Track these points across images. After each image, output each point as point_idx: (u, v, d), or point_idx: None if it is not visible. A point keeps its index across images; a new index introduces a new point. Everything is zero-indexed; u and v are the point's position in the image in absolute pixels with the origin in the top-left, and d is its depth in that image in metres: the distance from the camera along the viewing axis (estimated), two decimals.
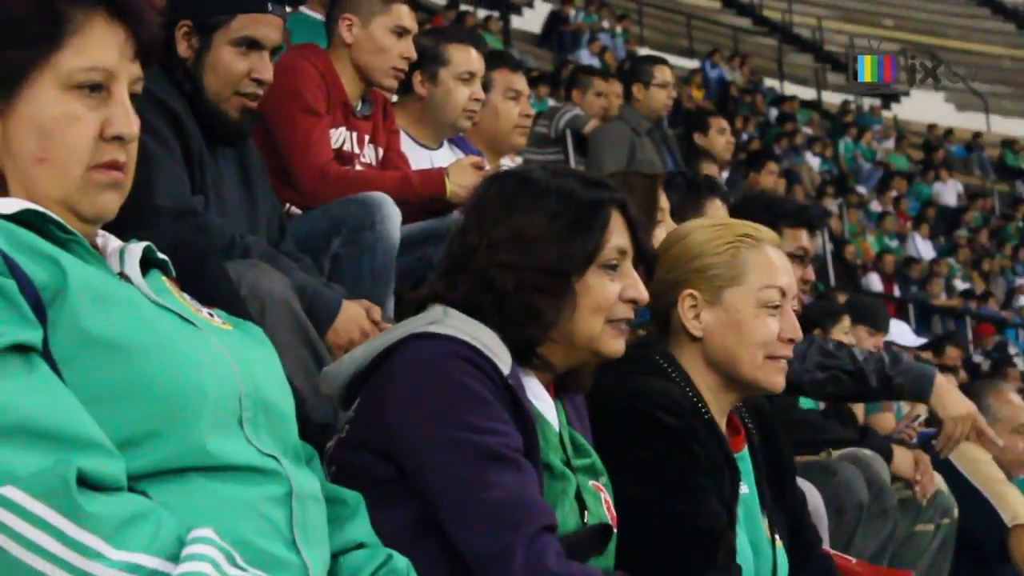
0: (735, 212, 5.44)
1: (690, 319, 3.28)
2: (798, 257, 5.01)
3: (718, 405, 3.28)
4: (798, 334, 3.30)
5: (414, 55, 4.93)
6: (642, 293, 2.80)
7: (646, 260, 2.87)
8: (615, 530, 2.83)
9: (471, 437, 2.52)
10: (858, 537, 4.40)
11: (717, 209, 4.92)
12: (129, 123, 2.18)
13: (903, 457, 4.82)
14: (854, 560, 4.17)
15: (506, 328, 2.68)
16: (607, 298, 2.76)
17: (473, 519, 2.50)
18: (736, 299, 3.26)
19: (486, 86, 5.50)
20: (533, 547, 2.46)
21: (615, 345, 2.80)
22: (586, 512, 2.75)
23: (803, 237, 5.05)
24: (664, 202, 4.21)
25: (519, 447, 2.57)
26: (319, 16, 6.10)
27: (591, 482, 2.83)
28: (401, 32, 4.89)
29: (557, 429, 2.81)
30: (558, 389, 2.89)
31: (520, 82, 5.89)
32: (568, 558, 2.56)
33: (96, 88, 2.16)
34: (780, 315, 3.27)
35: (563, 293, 2.71)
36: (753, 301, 3.26)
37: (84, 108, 2.15)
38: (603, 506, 2.82)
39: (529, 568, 2.45)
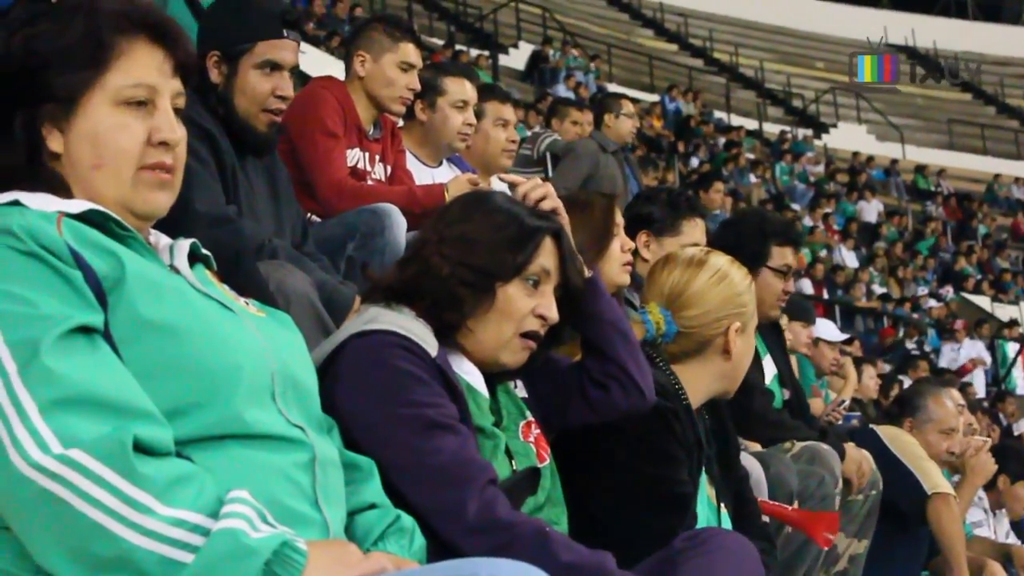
0: (730, 226, 5.40)
1: (734, 344, 3.33)
2: (783, 272, 4.95)
3: (695, 399, 3.30)
4: None
5: (418, 86, 4.94)
6: (552, 313, 2.77)
7: (569, 289, 2.85)
8: (543, 466, 2.81)
9: (412, 412, 2.51)
10: None
11: (695, 227, 4.81)
12: (172, 130, 2.17)
13: (851, 458, 4.81)
14: (788, 508, 4.18)
15: (431, 310, 2.68)
16: (520, 309, 2.74)
17: (425, 481, 2.48)
18: (752, 326, 3.38)
19: (479, 114, 5.51)
20: (483, 498, 2.45)
21: (515, 358, 2.78)
22: (513, 462, 2.74)
23: (789, 254, 4.98)
24: (619, 218, 4.18)
25: (455, 415, 2.56)
26: None
27: (520, 426, 2.83)
28: (406, 67, 4.90)
29: (487, 396, 2.80)
30: (490, 378, 2.86)
31: (508, 112, 5.89)
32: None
33: (142, 103, 2.15)
34: None
35: (484, 291, 2.71)
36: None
37: (132, 119, 2.14)
38: (532, 449, 2.82)
39: (481, 518, 2.43)
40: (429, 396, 2.55)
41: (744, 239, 4.91)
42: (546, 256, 2.78)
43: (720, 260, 3.47)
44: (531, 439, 2.84)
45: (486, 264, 2.72)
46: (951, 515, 5.12)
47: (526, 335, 2.76)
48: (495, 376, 2.86)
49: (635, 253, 4.77)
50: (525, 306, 2.74)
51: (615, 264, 3.96)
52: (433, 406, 2.53)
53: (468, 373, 2.77)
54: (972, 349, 20.21)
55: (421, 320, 2.68)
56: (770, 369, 5.11)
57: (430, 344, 2.63)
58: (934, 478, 5.17)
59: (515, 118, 6.04)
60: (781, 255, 4.94)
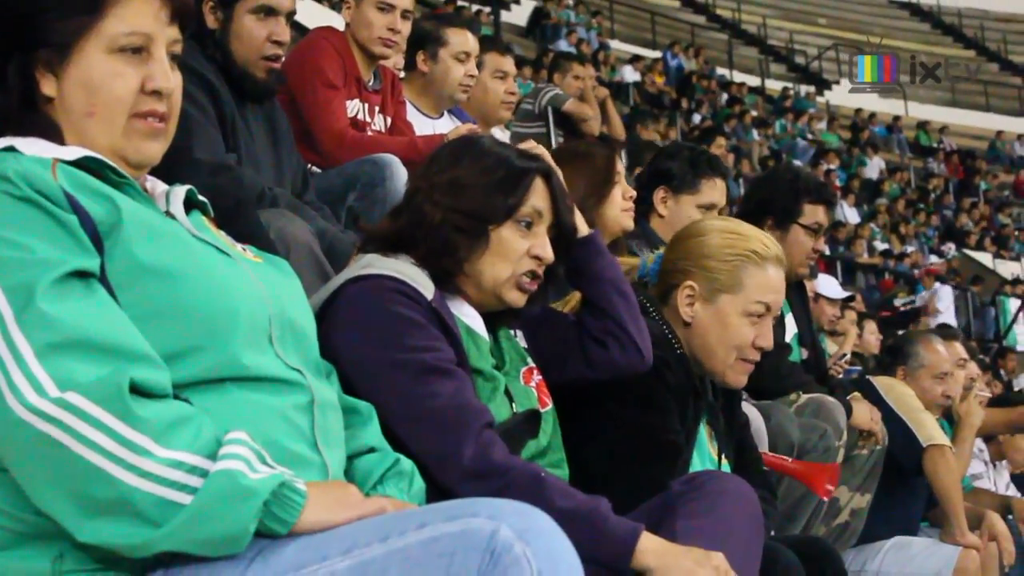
0: (763, 182, 5.37)
1: (684, 306, 3.25)
2: (813, 231, 4.93)
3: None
4: (769, 344, 3.26)
5: (399, 27, 4.86)
6: (547, 253, 2.77)
7: (563, 229, 2.84)
8: (545, 410, 2.82)
9: (408, 356, 2.51)
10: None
11: (714, 187, 4.78)
12: (167, 78, 2.15)
13: (861, 410, 4.81)
14: (789, 460, 4.17)
15: (427, 258, 2.68)
16: (515, 250, 2.73)
17: (422, 426, 2.48)
18: (727, 304, 3.22)
19: (477, 66, 5.48)
20: (479, 443, 2.45)
21: (516, 296, 2.77)
22: (514, 404, 2.74)
23: (820, 212, 4.94)
24: (620, 167, 4.16)
25: (452, 359, 2.56)
26: None
27: (522, 371, 2.84)
28: (384, 7, 4.84)
29: (487, 338, 2.80)
30: (491, 327, 2.86)
31: (507, 64, 5.86)
32: (504, 444, 2.57)
33: (137, 50, 2.13)
34: (759, 325, 3.23)
35: (477, 236, 2.71)
36: (741, 310, 3.22)
37: (127, 67, 2.12)
38: (533, 392, 2.82)
39: (476, 463, 2.43)
40: (426, 340, 2.54)
41: (776, 195, 4.91)
42: (537, 197, 2.77)
43: (721, 223, 3.42)
44: (532, 384, 2.84)
45: (478, 208, 2.71)
46: (947, 466, 5.11)
47: (523, 275, 2.76)
48: (496, 321, 2.86)
49: (650, 207, 4.77)
50: (520, 247, 2.74)
51: (616, 208, 3.95)
52: (430, 350, 2.53)
53: (468, 316, 2.77)
54: (941, 291, 20.10)
55: (418, 265, 2.67)
56: (791, 327, 5.09)
57: (426, 287, 2.62)
58: (929, 429, 5.15)
59: (514, 70, 6.00)
60: (813, 213, 4.92)
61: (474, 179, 2.73)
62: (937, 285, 20.06)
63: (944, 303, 19.49)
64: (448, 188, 2.72)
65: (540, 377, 2.88)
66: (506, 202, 2.72)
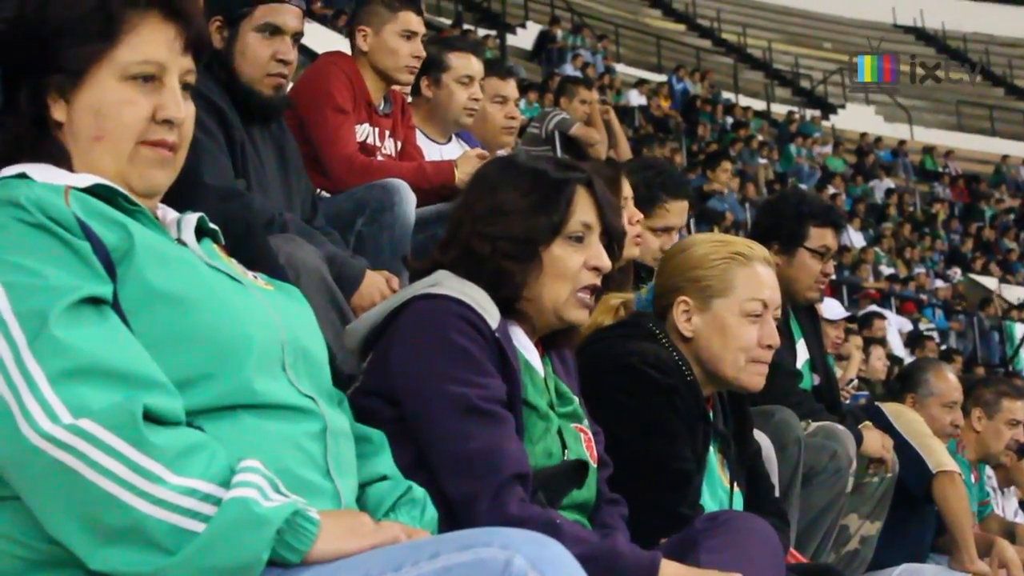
0: (769, 207, 5.35)
1: (682, 322, 3.26)
2: (820, 254, 4.90)
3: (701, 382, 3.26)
4: (775, 341, 3.26)
5: (423, 53, 4.90)
6: (604, 262, 2.74)
7: (612, 234, 2.81)
8: (594, 466, 2.79)
9: (454, 389, 2.49)
10: (813, 491, 4.37)
11: (675, 207, 4.75)
12: (178, 108, 2.15)
13: (873, 438, 4.80)
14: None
15: (486, 290, 2.66)
16: (571, 266, 2.71)
17: (451, 467, 2.48)
18: (723, 308, 3.24)
19: None
20: (498, 495, 2.43)
21: (578, 314, 2.75)
22: (566, 450, 2.71)
23: (828, 236, 4.90)
24: (627, 190, 4.14)
25: (501, 398, 2.54)
26: None
27: (572, 425, 2.79)
28: (408, 35, 4.87)
29: (543, 375, 2.77)
30: (547, 346, 2.85)
31: (506, 88, 5.83)
32: (546, 490, 2.56)
33: (149, 79, 2.13)
34: (760, 324, 3.24)
35: (529, 259, 2.68)
36: (737, 310, 3.23)
37: (138, 94, 2.13)
38: (583, 445, 2.79)
39: (492, 513, 2.42)
40: (477, 376, 2.52)
41: (782, 220, 4.89)
42: (582, 210, 2.74)
43: (705, 236, 3.47)
44: (583, 438, 2.82)
45: (524, 232, 2.68)
46: (956, 493, 5.10)
47: (583, 290, 2.73)
48: (551, 344, 2.84)
49: None
50: (575, 262, 2.72)
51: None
52: (478, 387, 2.51)
53: (526, 349, 2.75)
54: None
55: (484, 290, 2.65)
56: (802, 353, 5.06)
57: (491, 315, 2.60)
58: (939, 456, 5.14)
59: (515, 94, 5.95)
60: (820, 236, 4.88)
61: (514, 203, 2.70)
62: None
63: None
64: (490, 217, 2.70)
65: (589, 439, 2.84)
66: (551, 220, 2.70)
